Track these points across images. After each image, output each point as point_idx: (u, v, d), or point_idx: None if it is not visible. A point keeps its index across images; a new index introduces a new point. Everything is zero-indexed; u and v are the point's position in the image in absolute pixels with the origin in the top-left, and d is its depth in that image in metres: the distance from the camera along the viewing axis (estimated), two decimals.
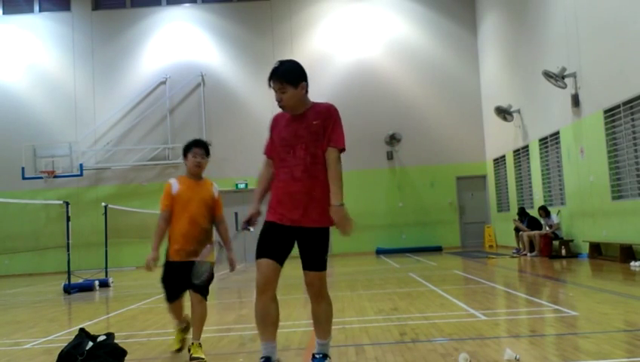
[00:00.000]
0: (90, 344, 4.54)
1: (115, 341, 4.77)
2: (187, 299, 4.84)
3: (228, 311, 7.69)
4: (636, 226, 10.88)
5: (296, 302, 7.89)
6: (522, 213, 15.71)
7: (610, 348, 4.27)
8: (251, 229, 3.99)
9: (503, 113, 17.31)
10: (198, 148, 4.99)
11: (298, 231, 3.82)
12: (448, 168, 20.75)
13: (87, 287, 12.04)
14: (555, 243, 14.01)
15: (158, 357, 5.01)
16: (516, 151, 17.78)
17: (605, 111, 11.97)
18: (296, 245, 3.91)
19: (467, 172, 20.85)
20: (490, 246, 19.40)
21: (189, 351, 4.69)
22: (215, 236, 4.91)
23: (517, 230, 15.71)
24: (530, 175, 16.73)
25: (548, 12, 14.56)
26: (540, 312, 6.41)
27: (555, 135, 14.72)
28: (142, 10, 21.76)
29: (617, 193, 11.81)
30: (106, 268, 13.45)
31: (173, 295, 4.90)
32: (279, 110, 3.96)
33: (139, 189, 20.74)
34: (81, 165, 19.96)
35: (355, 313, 6.81)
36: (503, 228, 18.91)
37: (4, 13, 21.92)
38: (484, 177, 20.93)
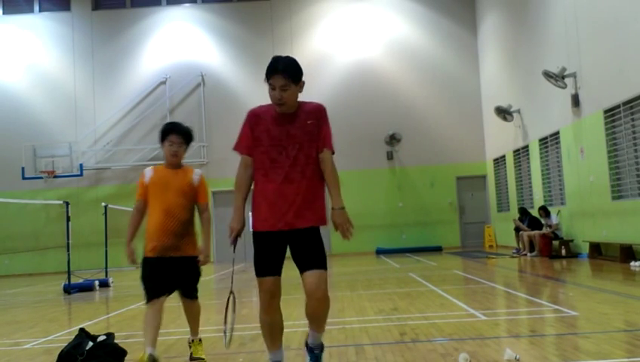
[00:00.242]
0: (90, 344, 4.54)
1: (115, 341, 4.77)
2: (174, 313, 4.81)
3: None
4: (636, 226, 10.87)
5: (296, 301, 7.89)
6: (523, 213, 15.71)
7: (610, 348, 4.27)
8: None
9: (503, 113, 17.31)
10: (175, 135, 4.50)
11: (291, 234, 3.66)
12: (448, 168, 20.75)
13: (87, 287, 12.04)
14: (555, 243, 14.01)
15: (158, 358, 4.99)
16: (516, 151, 17.77)
17: (605, 111, 11.97)
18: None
19: (467, 172, 20.85)
20: (490, 246, 19.40)
21: (190, 347, 4.67)
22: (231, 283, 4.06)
23: (517, 230, 15.70)
24: (530, 175, 16.73)
25: (548, 12, 14.55)
26: (540, 312, 6.42)
27: (555, 135, 14.72)
28: (142, 10, 21.77)
29: (617, 193, 11.81)
30: (106, 268, 13.45)
31: (152, 294, 4.37)
32: (256, 106, 3.80)
33: None
34: (81, 165, 19.96)
35: (355, 313, 6.81)
36: (503, 228, 18.91)
37: (4, 13, 21.92)
38: (484, 177, 20.93)
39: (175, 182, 4.49)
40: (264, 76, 3.62)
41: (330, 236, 18.09)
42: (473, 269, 11.93)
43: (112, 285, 12.89)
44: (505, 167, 19.07)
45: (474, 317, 5.97)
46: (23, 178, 19.63)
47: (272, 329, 3.77)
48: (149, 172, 4.56)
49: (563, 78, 13.24)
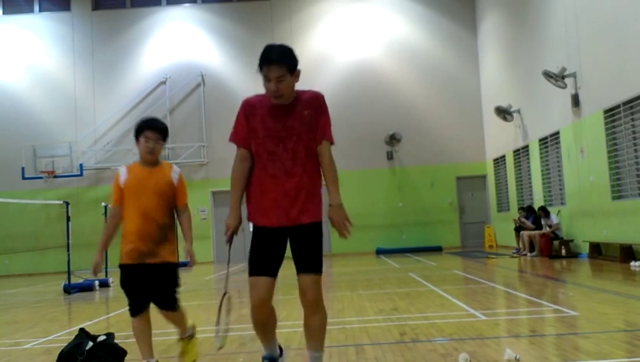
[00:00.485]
0: (90, 344, 4.54)
1: (115, 341, 4.77)
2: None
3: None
4: (636, 226, 10.87)
5: (296, 301, 7.87)
6: (529, 210, 15.46)
7: (610, 348, 4.27)
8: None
9: (503, 113, 17.31)
10: (151, 131, 4.16)
11: (292, 229, 3.48)
12: (448, 168, 20.75)
13: (87, 287, 12.04)
14: (555, 243, 14.00)
15: (158, 357, 5.00)
16: (516, 151, 17.77)
17: (605, 111, 11.97)
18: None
19: (467, 172, 20.85)
20: (490, 246, 19.40)
21: (179, 343, 4.49)
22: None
23: (517, 229, 15.69)
24: (530, 175, 16.73)
25: (548, 12, 14.56)
26: (540, 312, 6.41)
27: (555, 135, 14.72)
28: (142, 10, 21.77)
29: (617, 193, 11.81)
30: (106, 268, 13.38)
31: (135, 306, 4.15)
32: (251, 95, 3.58)
33: None
34: (81, 165, 19.96)
35: (355, 313, 6.81)
36: (503, 228, 18.91)
37: (4, 13, 21.92)
38: (484, 177, 20.93)
39: (152, 182, 4.15)
40: (260, 64, 3.35)
41: (330, 236, 18.09)
42: (473, 269, 11.93)
43: (112, 285, 12.88)
44: (505, 167, 19.07)
45: (474, 317, 5.97)
46: (23, 178, 19.63)
47: (264, 327, 3.59)
48: (123, 173, 4.23)
49: (563, 78, 13.24)
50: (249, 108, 3.52)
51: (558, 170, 14.83)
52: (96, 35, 21.61)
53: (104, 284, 12.61)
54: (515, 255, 15.05)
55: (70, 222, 12.26)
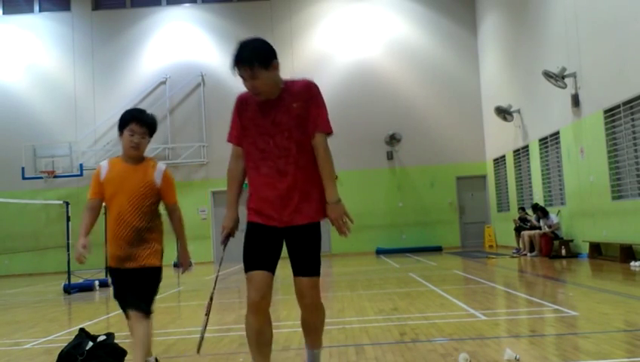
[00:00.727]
0: (90, 344, 4.54)
1: (115, 341, 4.77)
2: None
3: (228, 311, 7.69)
4: (636, 226, 10.87)
5: (296, 301, 7.89)
6: (536, 208, 15.20)
7: (610, 348, 4.27)
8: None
9: (503, 113, 17.31)
10: (137, 124, 3.80)
11: (288, 230, 3.29)
12: (448, 168, 20.75)
13: (87, 287, 12.03)
14: (555, 243, 14.00)
15: (158, 357, 5.00)
16: (516, 151, 17.78)
17: (605, 111, 11.97)
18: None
19: (467, 172, 20.85)
20: (490, 246, 19.40)
21: None
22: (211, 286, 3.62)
23: (517, 229, 15.69)
24: (530, 175, 16.73)
25: (548, 12, 14.56)
26: (540, 312, 6.41)
27: (555, 135, 14.72)
28: (142, 10, 21.77)
29: (617, 193, 11.81)
30: (106, 268, 13.44)
31: (123, 308, 3.97)
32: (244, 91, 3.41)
33: None
34: (81, 165, 19.96)
35: (355, 313, 6.81)
36: (503, 228, 18.91)
37: (4, 13, 21.92)
38: (484, 177, 20.93)
39: (130, 183, 3.79)
40: (232, 65, 3.21)
41: (330, 236, 18.10)
42: (473, 269, 11.93)
43: (111, 285, 12.88)
44: (505, 167, 19.07)
45: (474, 317, 5.96)
46: (23, 178, 19.63)
47: (259, 337, 3.29)
48: (104, 168, 3.87)
49: (563, 78, 13.24)
50: (240, 105, 3.39)
51: (558, 170, 14.83)
52: (96, 35, 21.61)
53: (104, 284, 12.60)
54: (515, 255, 15.05)
55: (70, 222, 12.25)
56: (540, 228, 14.53)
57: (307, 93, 3.29)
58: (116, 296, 3.99)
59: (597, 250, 12.52)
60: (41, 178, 19.75)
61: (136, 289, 3.78)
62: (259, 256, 3.27)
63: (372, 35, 21.34)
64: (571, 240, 13.76)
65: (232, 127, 3.42)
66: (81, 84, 21.45)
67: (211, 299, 3.54)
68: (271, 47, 3.23)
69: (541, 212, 14.42)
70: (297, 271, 3.34)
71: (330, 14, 21.50)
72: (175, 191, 4.00)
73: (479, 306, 6.70)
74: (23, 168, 19.59)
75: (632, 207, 11.13)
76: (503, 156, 19.08)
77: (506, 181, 19.00)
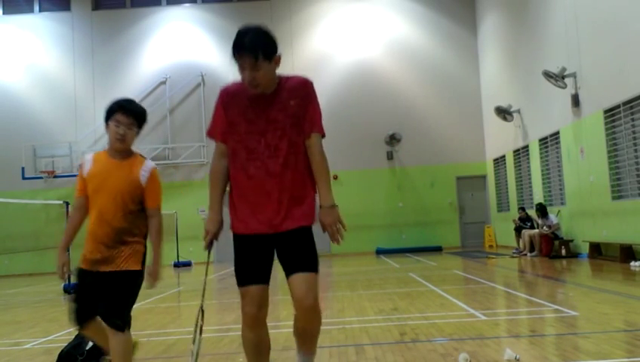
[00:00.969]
0: (90, 344, 4.54)
1: None
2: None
3: (228, 311, 7.69)
4: (636, 226, 10.88)
5: None
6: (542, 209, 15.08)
7: (610, 348, 4.27)
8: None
9: (503, 113, 17.32)
10: (123, 114, 3.50)
11: (278, 236, 3.06)
12: (448, 168, 20.75)
13: None
14: (555, 243, 14.00)
15: (158, 357, 5.00)
16: (516, 151, 17.78)
17: (605, 111, 11.97)
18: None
19: (467, 172, 20.85)
20: (490, 246, 19.41)
21: None
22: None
23: (517, 229, 15.69)
24: (530, 175, 16.73)
25: (548, 12, 14.56)
26: (540, 312, 6.41)
27: (555, 135, 14.72)
28: (142, 10, 21.77)
29: (617, 193, 11.81)
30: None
31: (80, 315, 3.47)
32: (230, 83, 3.20)
33: None
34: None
35: (355, 313, 6.81)
36: (503, 228, 18.91)
37: (4, 13, 21.92)
38: (484, 177, 20.93)
39: (114, 180, 3.46)
40: (233, 52, 2.96)
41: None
42: (473, 269, 11.93)
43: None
44: (505, 167, 19.08)
45: (474, 317, 5.96)
46: (23, 178, 19.64)
47: (259, 349, 3.19)
48: (88, 162, 3.56)
49: (563, 78, 13.24)
50: (227, 98, 3.13)
51: (558, 170, 14.83)
52: (96, 35, 21.61)
53: None
54: (515, 255, 15.05)
55: None
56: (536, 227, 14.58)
57: (304, 91, 3.11)
58: (78, 300, 3.48)
59: (597, 250, 12.51)
60: (41, 178, 19.76)
61: (109, 296, 3.39)
62: (251, 270, 3.08)
63: (372, 35, 21.34)
64: (571, 240, 13.76)
65: (215, 121, 3.15)
66: (81, 84, 21.45)
67: (202, 311, 3.33)
68: (275, 38, 3.01)
69: (540, 212, 14.41)
70: (290, 270, 3.05)
71: (330, 14, 21.50)
72: (160, 194, 3.63)
73: (479, 306, 6.70)
74: (23, 168, 19.60)
75: (632, 207, 11.13)
76: (503, 156, 19.08)
77: (506, 181, 19.00)
